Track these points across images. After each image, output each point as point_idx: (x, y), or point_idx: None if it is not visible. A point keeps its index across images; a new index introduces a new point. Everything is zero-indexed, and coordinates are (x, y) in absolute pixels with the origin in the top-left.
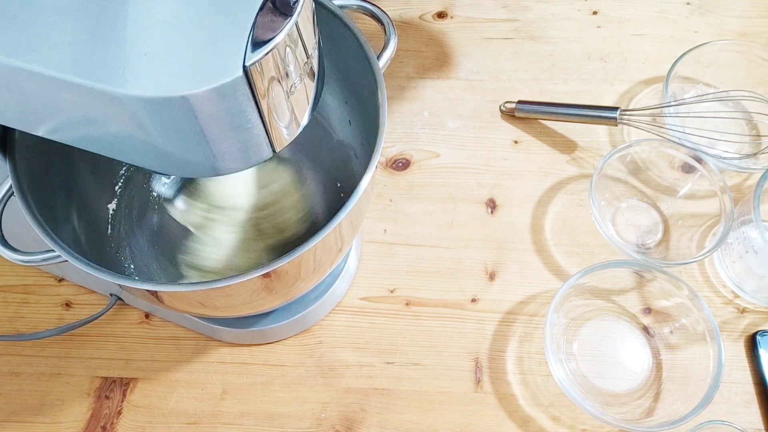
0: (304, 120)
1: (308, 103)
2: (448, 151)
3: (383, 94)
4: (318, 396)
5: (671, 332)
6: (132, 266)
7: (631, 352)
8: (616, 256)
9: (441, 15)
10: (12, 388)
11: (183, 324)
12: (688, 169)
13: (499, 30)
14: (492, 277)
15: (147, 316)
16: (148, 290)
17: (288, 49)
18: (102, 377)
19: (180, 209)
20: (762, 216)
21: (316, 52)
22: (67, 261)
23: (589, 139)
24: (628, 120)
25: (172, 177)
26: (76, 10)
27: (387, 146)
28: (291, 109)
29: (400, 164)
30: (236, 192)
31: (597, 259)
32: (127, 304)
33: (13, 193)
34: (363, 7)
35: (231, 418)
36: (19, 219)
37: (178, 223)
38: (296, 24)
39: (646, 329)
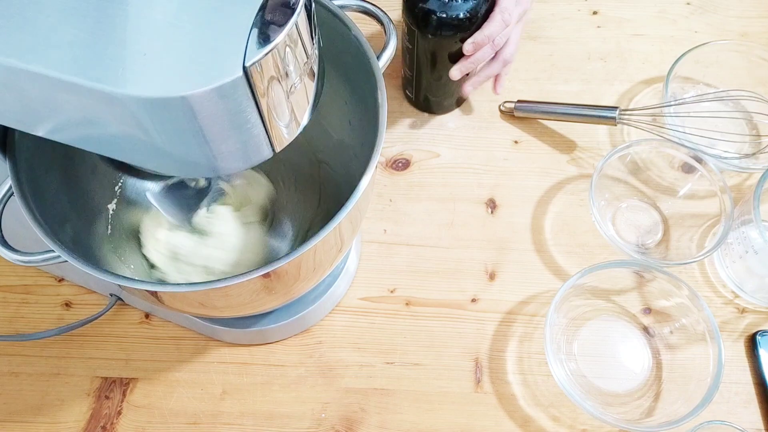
0: (304, 120)
1: (308, 103)
2: (448, 151)
3: (383, 94)
4: (318, 396)
5: (671, 332)
6: (132, 266)
7: (631, 352)
8: (616, 256)
9: None
10: (12, 388)
11: (183, 324)
12: (688, 169)
13: None
14: (492, 277)
15: (147, 316)
16: (148, 290)
17: (288, 49)
18: (102, 377)
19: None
20: (762, 216)
21: (316, 52)
22: (67, 261)
23: (589, 139)
24: (628, 120)
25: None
26: (76, 10)
27: (387, 146)
28: (291, 109)
29: (400, 164)
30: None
31: (597, 259)
32: (127, 304)
33: (13, 193)
34: (363, 7)
35: (231, 418)
36: (19, 219)
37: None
38: (296, 24)
39: (646, 329)
